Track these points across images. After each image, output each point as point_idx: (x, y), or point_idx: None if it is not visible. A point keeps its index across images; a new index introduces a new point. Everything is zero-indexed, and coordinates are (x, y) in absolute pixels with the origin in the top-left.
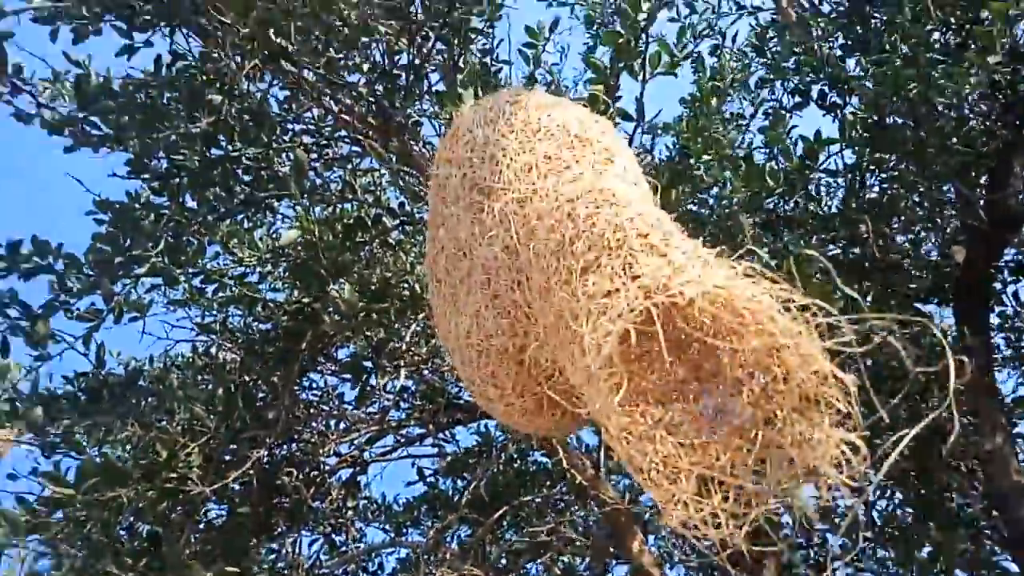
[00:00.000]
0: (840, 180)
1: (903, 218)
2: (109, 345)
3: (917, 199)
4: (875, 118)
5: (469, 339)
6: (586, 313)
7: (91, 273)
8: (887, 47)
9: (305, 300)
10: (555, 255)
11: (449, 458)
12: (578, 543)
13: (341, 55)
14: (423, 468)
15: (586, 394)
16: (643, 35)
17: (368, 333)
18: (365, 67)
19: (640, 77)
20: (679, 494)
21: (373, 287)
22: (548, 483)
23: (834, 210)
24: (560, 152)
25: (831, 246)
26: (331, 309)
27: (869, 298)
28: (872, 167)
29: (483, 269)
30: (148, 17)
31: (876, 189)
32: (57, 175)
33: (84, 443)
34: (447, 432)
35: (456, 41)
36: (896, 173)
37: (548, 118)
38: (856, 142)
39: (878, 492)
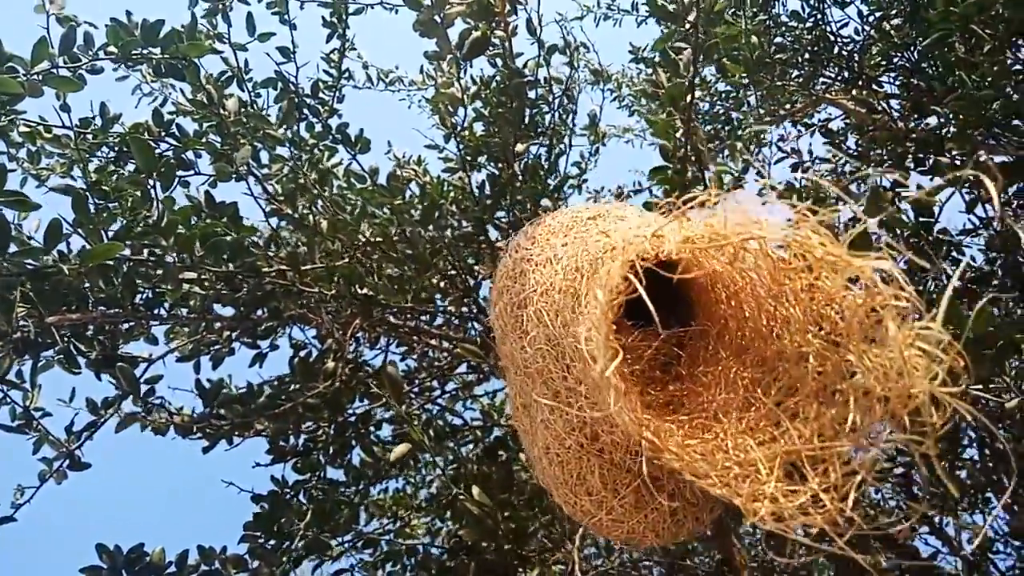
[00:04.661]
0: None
1: None
2: None
3: None
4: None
5: (548, 454)
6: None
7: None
8: (956, 83)
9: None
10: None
11: None
12: None
13: (421, 287)
14: None
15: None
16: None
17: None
18: (442, 283)
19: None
20: (765, 488)
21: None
22: None
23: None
24: (575, 235)
25: None
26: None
27: None
28: None
29: (537, 374)
30: (268, 325)
31: None
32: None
33: None
34: None
35: None
36: None
37: (563, 215)
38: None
39: None
